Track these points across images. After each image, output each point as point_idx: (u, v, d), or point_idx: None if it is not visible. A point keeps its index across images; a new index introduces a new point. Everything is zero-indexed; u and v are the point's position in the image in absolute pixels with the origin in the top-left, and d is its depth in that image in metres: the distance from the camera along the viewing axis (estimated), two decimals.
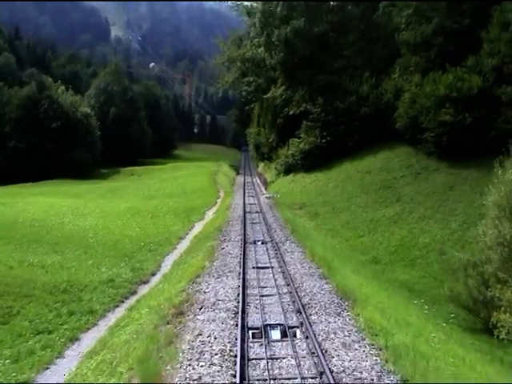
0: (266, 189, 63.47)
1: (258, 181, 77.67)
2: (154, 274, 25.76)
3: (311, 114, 57.60)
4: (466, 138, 42.01)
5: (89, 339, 17.54)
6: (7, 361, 15.97)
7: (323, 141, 55.76)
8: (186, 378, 8.89)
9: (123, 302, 21.83)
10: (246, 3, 68.49)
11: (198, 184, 68.90)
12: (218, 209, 46.80)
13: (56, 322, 19.50)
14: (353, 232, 38.84)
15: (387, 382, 8.70)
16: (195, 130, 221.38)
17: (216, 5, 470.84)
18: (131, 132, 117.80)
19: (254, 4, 61.50)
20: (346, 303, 13.43)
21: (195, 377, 8.96)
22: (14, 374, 14.87)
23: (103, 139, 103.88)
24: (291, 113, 61.50)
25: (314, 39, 57.65)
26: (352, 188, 48.28)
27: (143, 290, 23.04)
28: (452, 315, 22.42)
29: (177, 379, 8.76)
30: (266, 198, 50.87)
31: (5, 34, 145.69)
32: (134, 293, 22.90)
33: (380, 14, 61.39)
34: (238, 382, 8.52)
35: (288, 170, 61.34)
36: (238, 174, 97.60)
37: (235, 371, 9.13)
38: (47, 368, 15.45)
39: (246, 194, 54.44)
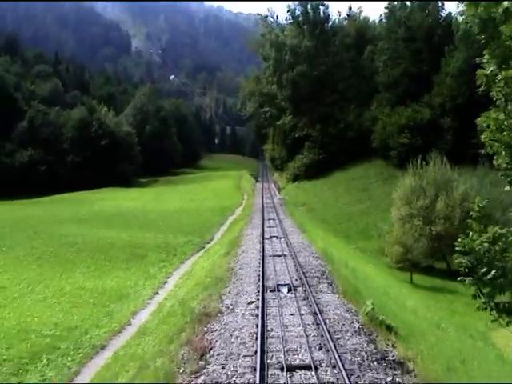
0: (278, 192, 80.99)
1: (273, 186, 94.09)
2: (211, 239, 44.23)
3: (311, 136, 76.51)
4: (418, 155, 59.35)
5: (189, 262, 36.07)
6: (155, 269, 34.42)
7: (320, 157, 74.59)
8: (246, 238, 27.90)
9: (199, 251, 40.24)
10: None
11: (226, 190, 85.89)
12: (244, 206, 64.87)
13: (168, 258, 37.81)
14: (336, 220, 57.32)
15: (306, 242, 27.46)
16: (216, 141, 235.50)
17: (232, 16, 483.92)
18: (164, 146, 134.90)
19: (270, 53, 79.49)
20: (303, 233, 32.21)
21: (250, 236, 28.06)
22: (164, 269, 33.49)
23: (140, 153, 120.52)
24: (297, 135, 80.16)
25: (314, 79, 76.00)
26: (340, 191, 66.71)
27: (209, 245, 41.56)
28: (368, 253, 41.21)
29: (245, 238, 27.79)
30: (278, 199, 68.86)
31: (47, 59, 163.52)
32: (203, 247, 41.39)
33: (365, 57, 79.71)
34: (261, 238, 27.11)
35: (294, 178, 79.94)
36: (256, 181, 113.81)
37: (262, 243, 27.71)
38: (176, 269, 33.99)
39: (264, 197, 71.50)
